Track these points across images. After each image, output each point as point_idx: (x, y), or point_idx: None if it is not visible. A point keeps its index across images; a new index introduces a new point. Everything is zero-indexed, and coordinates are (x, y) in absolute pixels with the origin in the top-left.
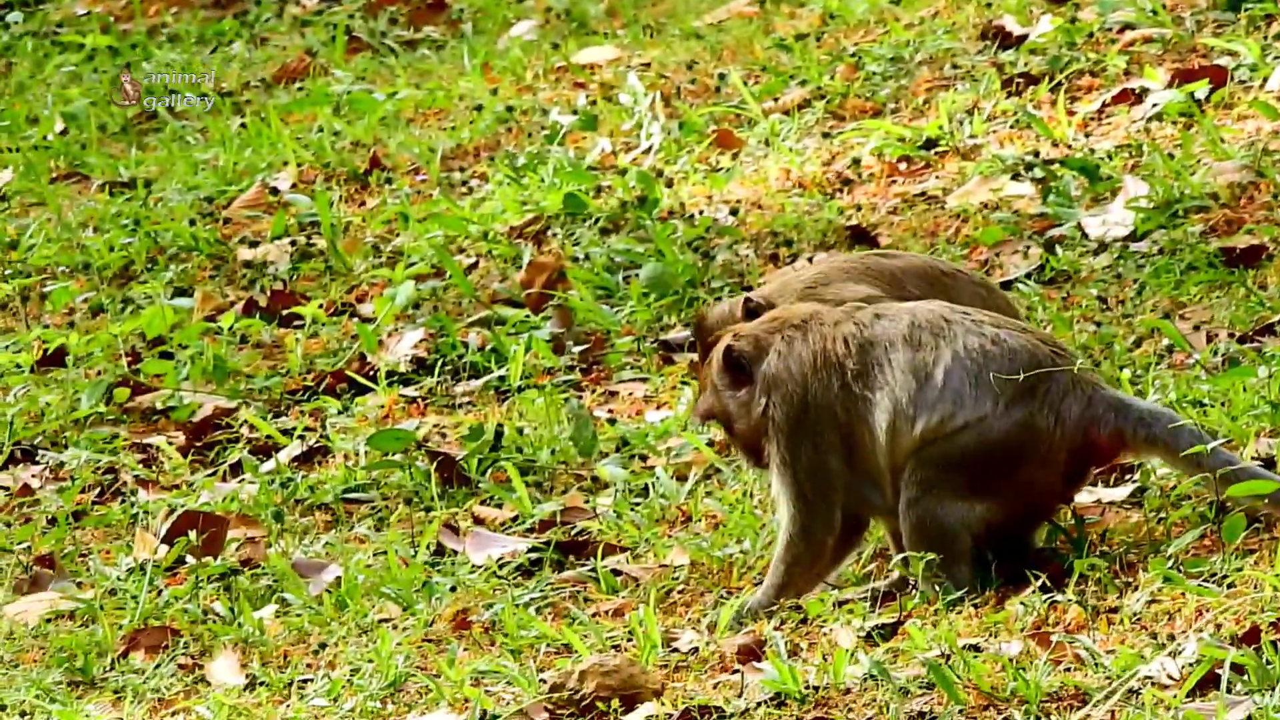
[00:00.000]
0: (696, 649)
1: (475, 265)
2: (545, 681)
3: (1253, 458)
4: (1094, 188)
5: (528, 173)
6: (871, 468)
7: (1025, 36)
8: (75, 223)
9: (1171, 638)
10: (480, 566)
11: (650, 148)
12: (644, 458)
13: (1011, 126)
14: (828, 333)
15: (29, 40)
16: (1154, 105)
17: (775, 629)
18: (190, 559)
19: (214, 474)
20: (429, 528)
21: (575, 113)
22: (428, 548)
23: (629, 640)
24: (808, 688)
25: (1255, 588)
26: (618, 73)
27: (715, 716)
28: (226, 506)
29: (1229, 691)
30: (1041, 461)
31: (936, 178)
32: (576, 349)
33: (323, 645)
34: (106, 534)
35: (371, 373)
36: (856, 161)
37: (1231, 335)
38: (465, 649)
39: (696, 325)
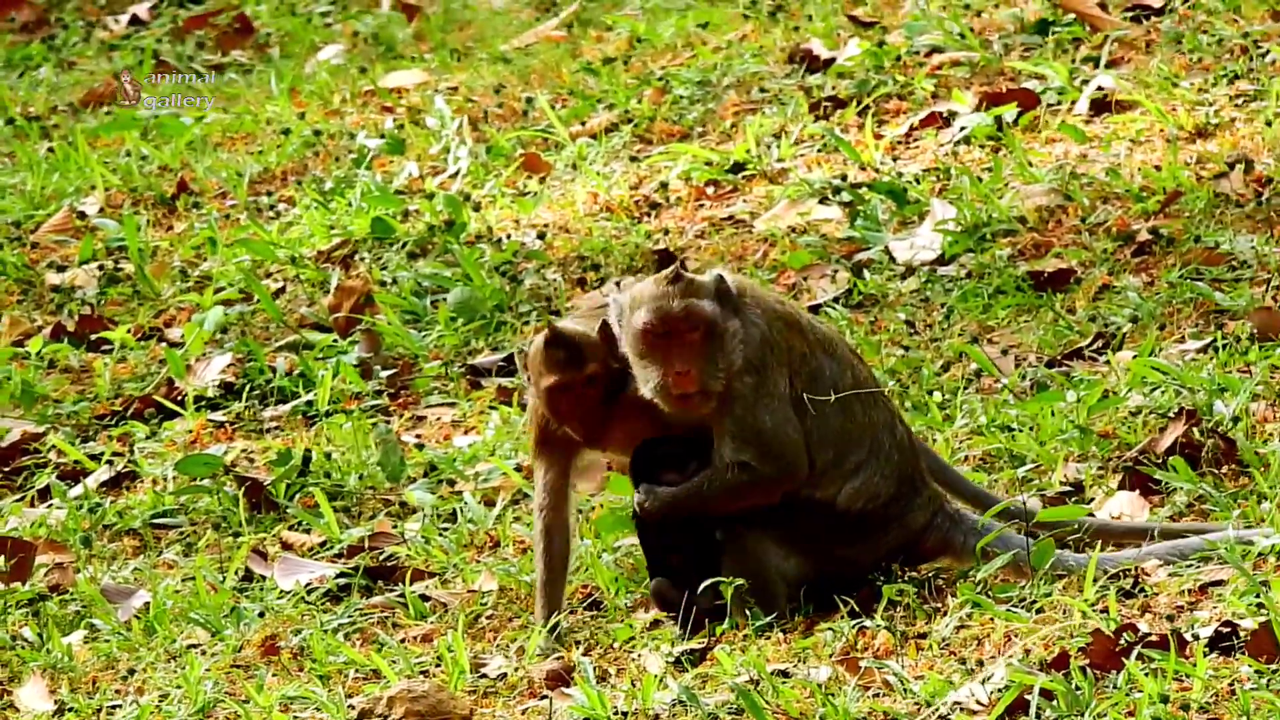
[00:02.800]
0: (505, 674)
1: (283, 290)
2: (354, 708)
3: (1061, 483)
4: (901, 211)
5: (335, 197)
6: None
7: (833, 60)
8: None
9: (980, 663)
10: (289, 592)
11: (458, 172)
12: (452, 483)
13: (819, 150)
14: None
15: None
16: (962, 129)
17: (584, 654)
18: None
19: (21, 499)
20: (237, 553)
21: (382, 136)
22: (236, 573)
23: (437, 666)
24: (616, 713)
25: (1064, 613)
26: (425, 96)
27: None
28: (34, 532)
29: (1038, 717)
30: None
31: (744, 201)
32: (384, 374)
33: (131, 671)
34: None
35: (179, 398)
36: (664, 185)
37: (1040, 359)
38: (274, 674)
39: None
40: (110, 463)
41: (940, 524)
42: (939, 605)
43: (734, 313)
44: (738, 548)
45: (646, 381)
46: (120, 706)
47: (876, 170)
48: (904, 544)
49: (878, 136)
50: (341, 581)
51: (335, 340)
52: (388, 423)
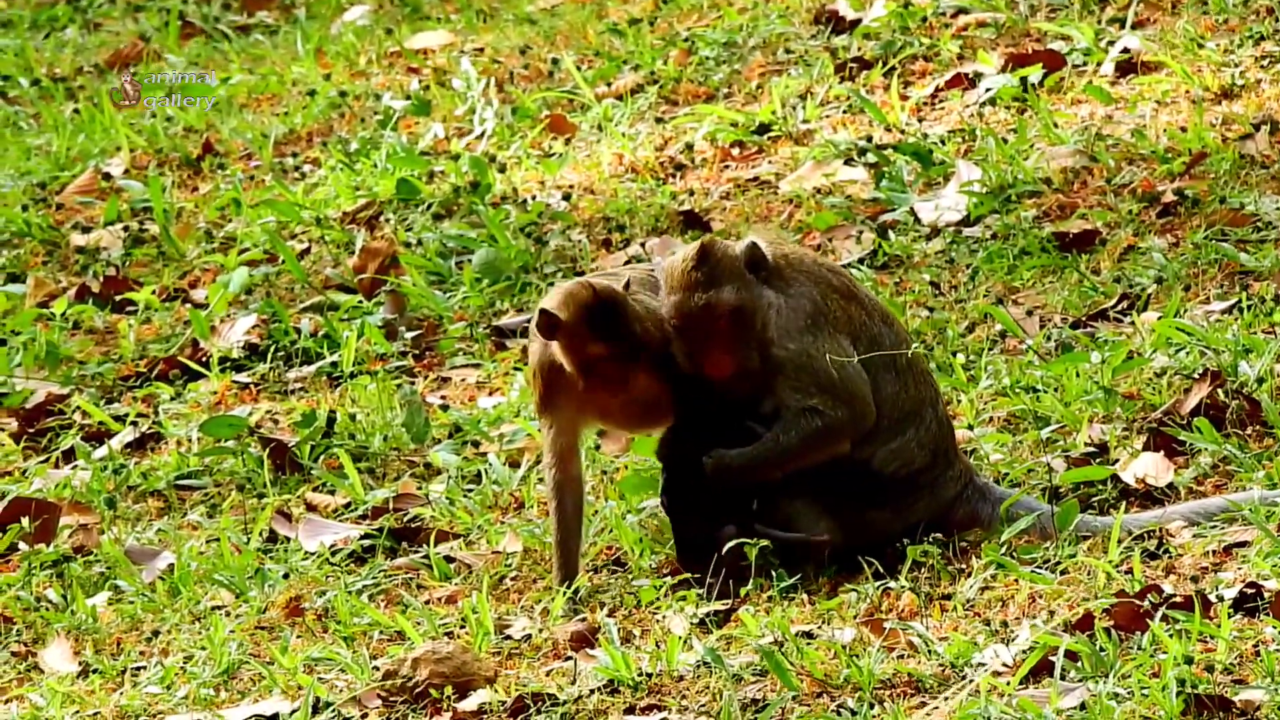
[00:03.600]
0: (529, 636)
1: (308, 251)
2: (378, 669)
3: (1085, 444)
4: (927, 173)
5: (360, 158)
6: None
7: (859, 21)
8: None
9: (1005, 625)
10: (313, 553)
11: (483, 133)
12: (476, 444)
13: (845, 111)
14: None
15: None
16: (987, 90)
17: (608, 615)
18: (22, 546)
19: (46, 460)
20: (261, 514)
21: (408, 98)
22: (260, 534)
23: (462, 627)
24: (641, 675)
25: (1088, 574)
26: (451, 58)
27: (548, 704)
28: (59, 493)
29: (1063, 678)
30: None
31: (769, 163)
32: (409, 335)
33: (156, 633)
34: None
35: (204, 359)
36: (689, 146)
37: (1064, 320)
38: (298, 636)
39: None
40: (135, 424)
41: (969, 496)
42: (963, 567)
43: (769, 283)
44: (773, 513)
45: (687, 357)
46: (145, 668)
47: (902, 131)
48: (933, 515)
49: (903, 98)
50: (366, 543)
51: (360, 301)
52: (412, 384)
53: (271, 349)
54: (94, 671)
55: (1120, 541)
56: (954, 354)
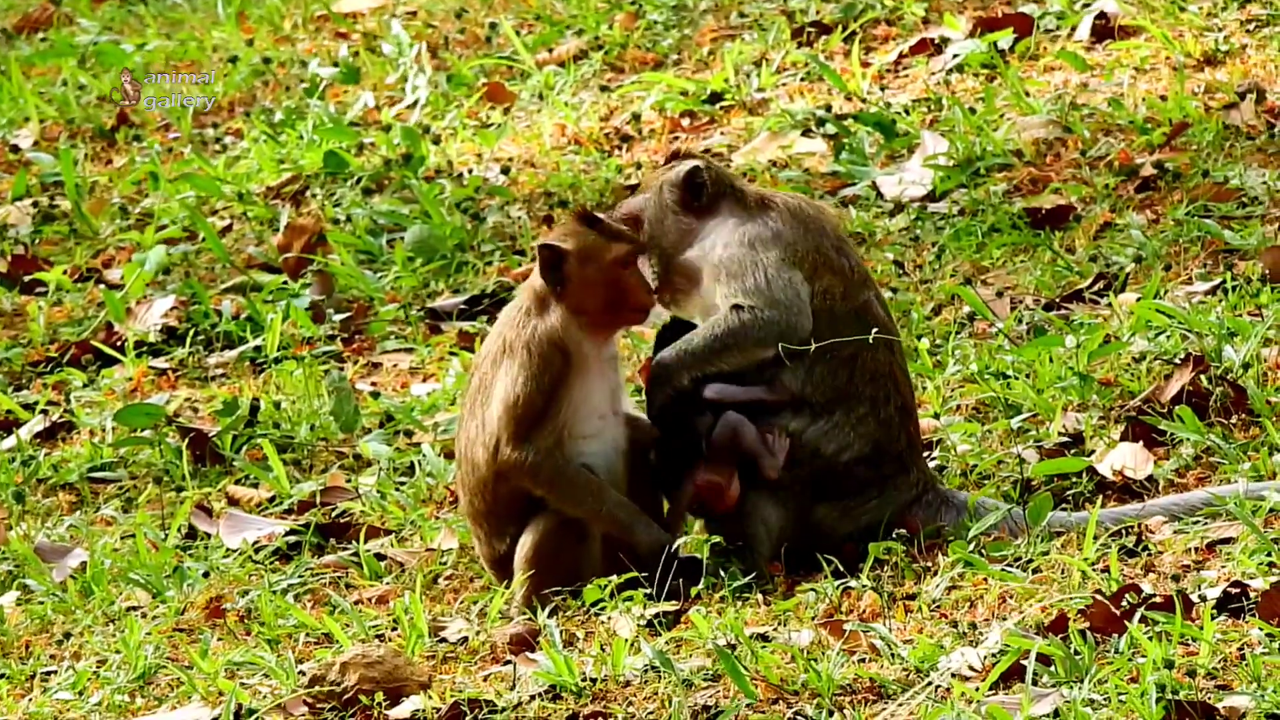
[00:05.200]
0: (466, 639)
1: (229, 228)
2: (305, 674)
3: (1059, 433)
4: (890, 144)
5: (285, 129)
6: None
7: None
8: None
9: (974, 626)
10: (235, 550)
11: (416, 102)
12: (409, 434)
13: (802, 79)
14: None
15: None
16: (954, 56)
17: (550, 617)
18: None
19: None
20: (180, 509)
21: (336, 65)
22: (179, 530)
23: (394, 630)
24: (585, 680)
25: (1062, 573)
26: (381, 22)
27: (486, 710)
28: None
29: (1035, 684)
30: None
31: (722, 134)
32: (337, 317)
33: (67, 635)
34: None
35: (119, 343)
36: (636, 117)
37: (1037, 302)
38: (219, 639)
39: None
40: (45, 412)
41: (930, 501)
42: (929, 565)
43: (724, 209)
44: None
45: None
46: (55, 672)
47: (863, 100)
48: (887, 519)
49: (865, 65)
50: (292, 539)
51: (285, 282)
52: (341, 370)
53: (191, 332)
54: (1, 676)
55: (1096, 538)
56: (919, 338)
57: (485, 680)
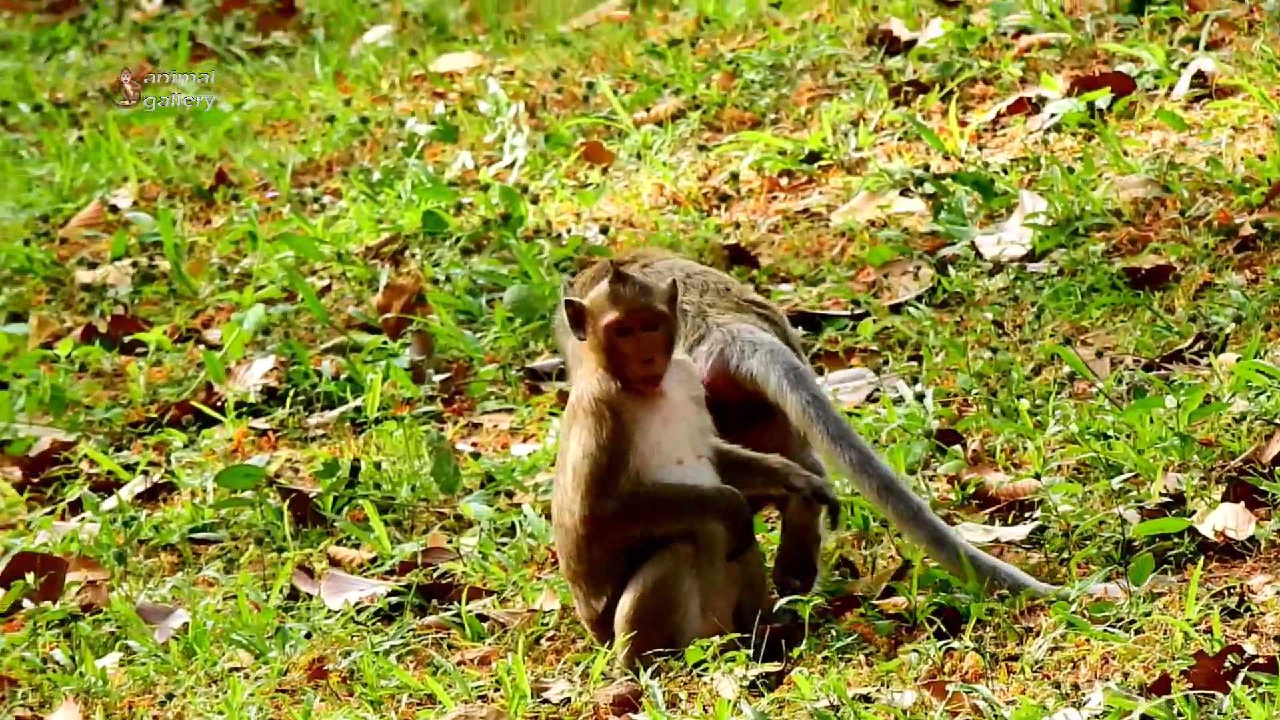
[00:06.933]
0: (568, 699)
1: (328, 288)
2: None
3: (1160, 494)
4: (988, 204)
5: (383, 189)
6: None
7: (914, 42)
8: None
9: (1076, 687)
10: (337, 611)
11: (514, 162)
12: (510, 494)
13: (900, 138)
14: None
15: None
16: (1052, 115)
17: (652, 678)
18: (27, 604)
19: (52, 512)
20: (282, 570)
21: (434, 124)
22: (280, 591)
23: (496, 690)
24: None
25: (1165, 634)
26: (479, 81)
27: None
28: (65, 547)
29: None
30: None
31: (820, 193)
32: (437, 377)
33: (170, 696)
34: None
35: (219, 403)
36: (734, 176)
37: (1137, 362)
38: (322, 700)
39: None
40: (146, 473)
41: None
42: (1031, 625)
43: None
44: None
45: None
46: None
47: (961, 160)
48: None
49: (962, 124)
50: (393, 600)
51: (385, 342)
52: (441, 430)
53: (291, 393)
54: None
55: (1198, 598)
56: (1019, 397)
57: None
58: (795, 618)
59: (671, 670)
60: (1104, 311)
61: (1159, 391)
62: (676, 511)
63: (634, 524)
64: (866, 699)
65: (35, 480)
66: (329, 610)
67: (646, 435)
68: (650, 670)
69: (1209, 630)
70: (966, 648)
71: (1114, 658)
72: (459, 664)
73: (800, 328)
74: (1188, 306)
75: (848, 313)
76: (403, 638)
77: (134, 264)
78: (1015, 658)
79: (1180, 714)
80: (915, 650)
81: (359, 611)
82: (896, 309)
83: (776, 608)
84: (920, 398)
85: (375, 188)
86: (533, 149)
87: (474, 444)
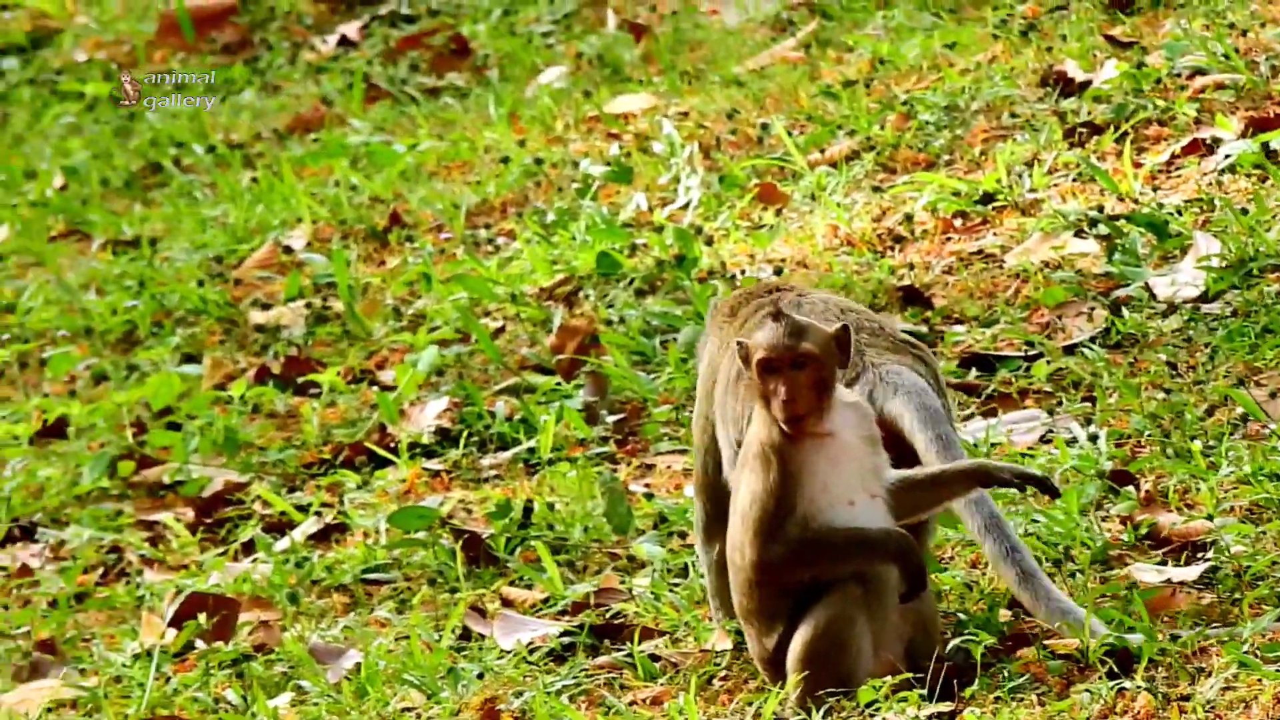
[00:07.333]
0: None
1: (502, 329)
2: None
3: None
4: (1162, 245)
5: (558, 230)
6: None
7: (1089, 83)
8: (76, 284)
9: None
10: (509, 651)
11: (689, 203)
12: (683, 535)
13: (1074, 179)
14: None
15: (26, 89)
16: (1226, 156)
17: (824, 718)
18: (200, 644)
19: (224, 553)
20: (454, 610)
21: (608, 165)
22: (453, 632)
23: None
24: None
25: None
26: (653, 122)
27: None
28: (238, 588)
29: None
30: None
31: (994, 234)
32: (611, 419)
33: None
34: (111, 617)
35: (392, 445)
36: (909, 217)
37: None
38: None
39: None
40: (319, 514)
41: None
42: (1203, 665)
43: None
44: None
45: None
46: None
47: (1136, 201)
48: None
49: (1137, 165)
50: (566, 640)
51: (558, 383)
52: (614, 471)
53: (464, 434)
54: None
55: None
56: (1192, 439)
57: None
58: (968, 657)
59: (844, 710)
60: (1278, 353)
61: None
62: (843, 555)
63: (801, 568)
64: None
65: (208, 521)
66: (501, 650)
67: (814, 477)
68: (823, 710)
69: None
70: (1139, 688)
71: None
72: (631, 704)
73: (974, 369)
74: None
75: (1021, 354)
76: (575, 678)
77: (308, 305)
78: (1187, 698)
79: None
80: (1087, 690)
81: (531, 652)
82: (1070, 350)
83: (950, 647)
84: (1094, 439)
85: (549, 229)
86: (707, 190)
87: (647, 485)
